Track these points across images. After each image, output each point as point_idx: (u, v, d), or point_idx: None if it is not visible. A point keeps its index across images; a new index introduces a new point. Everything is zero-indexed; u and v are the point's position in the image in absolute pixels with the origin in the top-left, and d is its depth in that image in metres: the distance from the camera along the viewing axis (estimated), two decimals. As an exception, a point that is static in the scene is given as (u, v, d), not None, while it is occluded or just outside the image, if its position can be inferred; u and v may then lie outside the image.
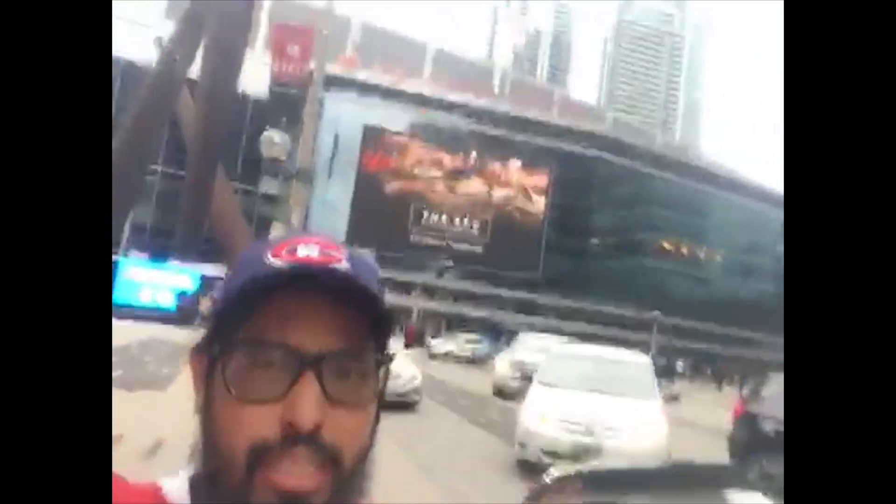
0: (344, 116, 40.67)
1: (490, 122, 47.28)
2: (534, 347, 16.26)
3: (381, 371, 0.55)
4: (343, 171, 41.97)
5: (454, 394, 14.46)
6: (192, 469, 0.55)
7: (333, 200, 40.18)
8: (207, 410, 0.54)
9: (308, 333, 0.52)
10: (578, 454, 6.53)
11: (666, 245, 52.19)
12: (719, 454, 8.31)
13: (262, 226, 37.01)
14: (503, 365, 16.16)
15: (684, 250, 52.96)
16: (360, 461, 0.54)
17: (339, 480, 0.52)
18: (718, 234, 54.00)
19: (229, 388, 0.51)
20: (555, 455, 6.62)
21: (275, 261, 0.53)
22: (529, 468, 6.77)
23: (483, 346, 29.94)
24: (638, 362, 8.55)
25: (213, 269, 27.84)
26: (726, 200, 53.91)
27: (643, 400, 7.50)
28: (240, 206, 34.00)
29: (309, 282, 0.52)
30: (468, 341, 31.13)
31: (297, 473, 0.50)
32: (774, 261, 56.03)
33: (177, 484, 0.56)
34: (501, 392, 15.44)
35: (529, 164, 46.16)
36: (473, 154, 45.17)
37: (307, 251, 0.54)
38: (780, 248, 56.16)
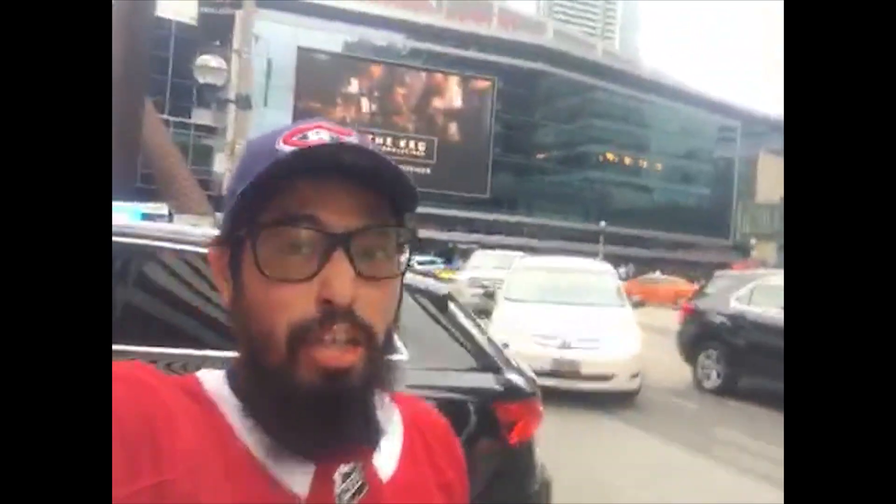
0: (275, 38, 38.50)
1: (430, 38, 45.73)
2: (490, 264, 16.51)
3: (405, 247, 0.57)
4: (279, 96, 40.09)
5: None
6: (228, 363, 0.56)
7: (272, 128, 38.65)
8: (239, 300, 0.54)
9: (333, 213, 0.52)
10: (557, 369, 6.47)
11: (609, 156, 52.88)
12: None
13: (200, 158, 35.47)
14: (462, 283, 16.38)
15: (627, 160, 53.83)
16: (389, 335, 0.56)
17: (372, 355, 0.53)
18: (658, 142, 54.95)
19: (262, 270, 0.51)
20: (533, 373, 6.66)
21: (287, 147, 0.53)
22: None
23: (437, 267, 30.21)
24: (602, 270, 8.43)
25: (153, 208, 26.62)
26: (665, 108, 54.56)
27: (615, 308, 7.42)
28: (172, 138, 32.35)
29: (324, 157, 0.52)
30: (421, 263, 31.34)
31: (338, 350, 0.51)
32: (711, 165, 57.74)
33: (213, 374, 0.57)
34: (461, 310, 15.73)
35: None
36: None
37: (318, 136, 0.54)
38: (716, 152, 57.80)
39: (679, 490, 4.48)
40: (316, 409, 0.51)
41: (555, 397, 6.51)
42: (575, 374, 6.50)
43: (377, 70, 43.34)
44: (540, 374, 6.44)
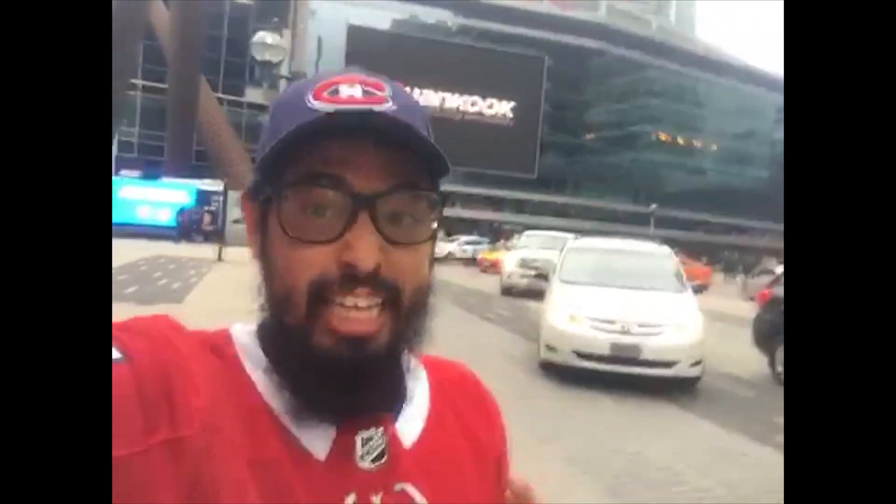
0: (326, 16, 38.68)
1: (480, 15, 45.11)
2: (539, 244, 16.33)
3: (436, 211, 0.55)
4: (329, 75, 40.49)
5: (459, 293, 14.51)
6: (259, 317, 0.56)
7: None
8: (265, 255, 0.54)
9: (359, 175, 0.51)
10: (616, 354, 6.32)
11: (662, 136, 51.45)
12: (744, 340, 8.41)
13: (252, 137, 36.11)
14: (511, 262, 16.26)
15: (680, 141, 52.29)
16: (419, 299, 0.54)
17: (399, 319, 0.53)
18: (713, 122, 53.16)
19: (285, 230, 0.51)
20: (590, 357, 6.39)
21: (317, 104, 0.52)
22: (554, 366, 6.70)
23: (483, 248, 30.10)
24: (662, 253, 8.10)
25: (208, 184, 27.39)
26: (722, 87, 52.64)
27: (676, 293, 7.18)
28: (226, 116, 32.97)
29: (354, 121, 0.51)
30: (468, 242, 31.24)
31: (358, 317, 0.51)
32: (770, 146, 55.53)
33: (245, 329, 0.56)
34: (510, 290, 15.64)
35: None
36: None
37: (350, 91, 0.53)
38: (777, 133, 55.51)
39: (741, 477, 4.34)
40: (332, 375, 0.51)
41: (612, 383, 6.39)
42: (634, 360, 6.33)
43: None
44: (598, 358, 6.39)
